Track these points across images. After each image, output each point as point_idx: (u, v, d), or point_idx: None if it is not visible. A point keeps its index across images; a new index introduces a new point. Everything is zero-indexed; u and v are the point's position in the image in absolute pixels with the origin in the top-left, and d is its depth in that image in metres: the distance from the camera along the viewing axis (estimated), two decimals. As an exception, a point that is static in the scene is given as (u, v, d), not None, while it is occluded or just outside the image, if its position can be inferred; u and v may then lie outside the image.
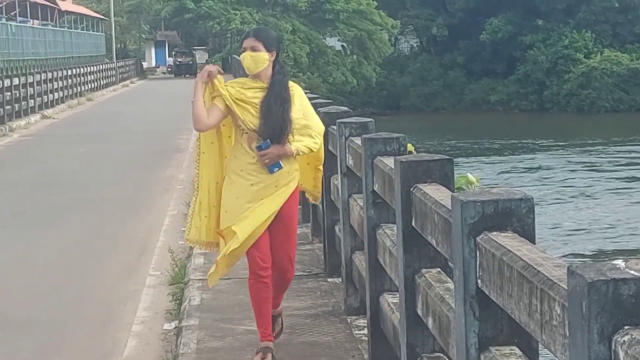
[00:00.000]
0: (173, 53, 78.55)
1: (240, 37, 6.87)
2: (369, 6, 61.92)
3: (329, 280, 8.43)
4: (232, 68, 36.36)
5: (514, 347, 3.49)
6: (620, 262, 2.40)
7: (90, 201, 14.23)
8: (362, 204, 6.40)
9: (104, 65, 54.71)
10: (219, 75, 6.23)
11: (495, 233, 3.40)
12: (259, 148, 6.12)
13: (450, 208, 3.79)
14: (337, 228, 8.26)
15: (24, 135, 26.85)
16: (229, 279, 7.99)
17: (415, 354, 4.73)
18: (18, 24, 43.84)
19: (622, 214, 23.46)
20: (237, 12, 61.63)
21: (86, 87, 44.72)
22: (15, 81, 30.38)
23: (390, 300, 5.69)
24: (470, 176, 6.58)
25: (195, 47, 77.98)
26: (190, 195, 13.81)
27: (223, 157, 6.34)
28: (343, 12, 61.10)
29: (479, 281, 3.47)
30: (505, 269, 3.14)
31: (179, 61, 74.03)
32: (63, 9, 55.56)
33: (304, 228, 10.15)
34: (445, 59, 65.62)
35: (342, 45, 64.97)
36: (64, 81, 39.23)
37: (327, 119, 7.95)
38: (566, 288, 2.53)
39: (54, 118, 32.69)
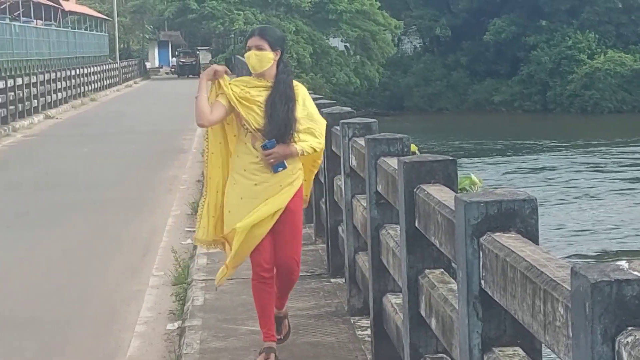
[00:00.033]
0: (176, 53, 78.63)
1: (244, 38, 6.86)
2: (372, 7, 61.91)
3: (332, 280, 8.43)
4: (235, 68, 36.30)
5: (517, 348, 3.49)
6: (623, 263, 2.40)
7: (94, 201, 14.23)
8: (365, 205, 6.40)
9: (107, 66, 54.75)
10: (225, 75, 6.20)
11: (498, 234, 3.39)
12: (264, 147, 6.07)
13: (453, 209, 3.79)
14: (340, 228, 8.26)
15: (27, 135, 26.82)
16: (232, 279, 7.98)
17: (419, 355, 4.72)
18: (21, 24, 43.89)
19: (625, 214, 23.42)
20: (241, 12, 61.70)
21: (89, 88, 44.73)
22: (19, 81, 30.33)
23: (394, 301, 5.68)
24: (473, 177, 6.56)
25: (198, 48, 77.95)
26: (193, 196, 13.86)
27: (230, 157, 6.31)
28: (346, 12, 61.10)
29: (482, 282, 3.47)
30: (508, 269, 3.14)
31: (182, 61, 74.10)
32: (66, 9, 55.57)
33: (307, 228, 10.14)
34: (449, 59, 65.59)
35: (346, 46, 64.97)
36: (67, 81, 39.22)
37: (331, 120, 7.93)
38: (569, 289, 2.53)
39: (57, 118, 32.67)
